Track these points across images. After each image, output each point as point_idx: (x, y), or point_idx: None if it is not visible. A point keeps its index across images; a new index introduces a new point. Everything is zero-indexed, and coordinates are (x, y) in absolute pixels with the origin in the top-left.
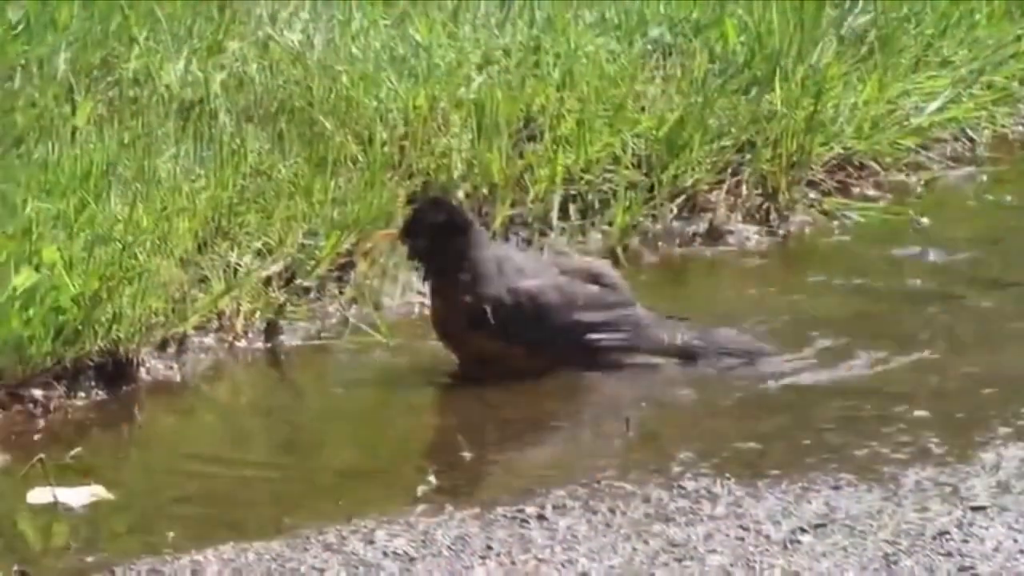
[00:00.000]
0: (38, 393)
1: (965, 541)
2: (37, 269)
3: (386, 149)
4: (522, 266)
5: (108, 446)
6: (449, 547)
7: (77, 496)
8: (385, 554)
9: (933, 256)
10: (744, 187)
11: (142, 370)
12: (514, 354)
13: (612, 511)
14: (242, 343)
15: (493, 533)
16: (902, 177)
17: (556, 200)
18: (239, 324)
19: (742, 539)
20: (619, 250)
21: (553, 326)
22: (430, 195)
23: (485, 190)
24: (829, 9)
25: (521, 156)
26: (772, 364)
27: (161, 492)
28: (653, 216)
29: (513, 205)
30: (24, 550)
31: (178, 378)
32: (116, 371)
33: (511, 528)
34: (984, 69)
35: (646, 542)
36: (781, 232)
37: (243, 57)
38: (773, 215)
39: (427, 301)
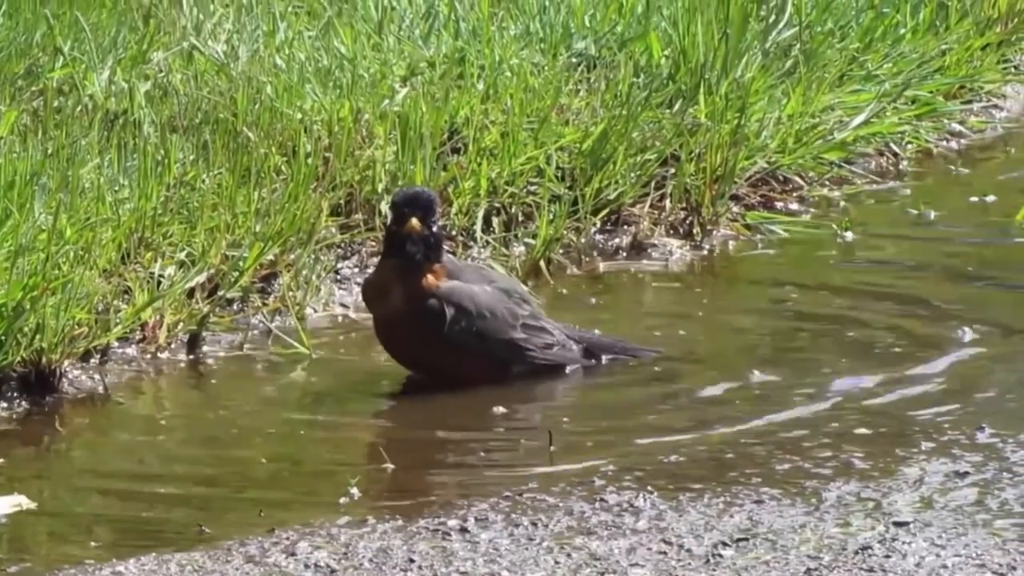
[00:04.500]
0: None
1: (887, 556)
2: None
3: (310, 161)
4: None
5: (30, 456)
6: (371, 559)
7: None
8: (307, 566)
9: (856, 270)
10: (668, 201)
11: (64, 381)
12: (456, 357)
13: (534, 524)
14: (165, 354)
15: (415, 546)
16: (826, 192)
17: (480, 212)
18: (162, 335)
19: (664, 553)
20: (542, 263)
21: (494, 335)
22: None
23: None
24: (754, 23)
25: (445, 168)
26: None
27: (84, 502)
28: (577, 229)
29: None
30: None
31: (101, 389)
32: (38, 382)
33: (433, 541)
34: (908, 83)
35: (568, 555)
36: (705, 246)
37: (168, 67)
38: (696, 229)
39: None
